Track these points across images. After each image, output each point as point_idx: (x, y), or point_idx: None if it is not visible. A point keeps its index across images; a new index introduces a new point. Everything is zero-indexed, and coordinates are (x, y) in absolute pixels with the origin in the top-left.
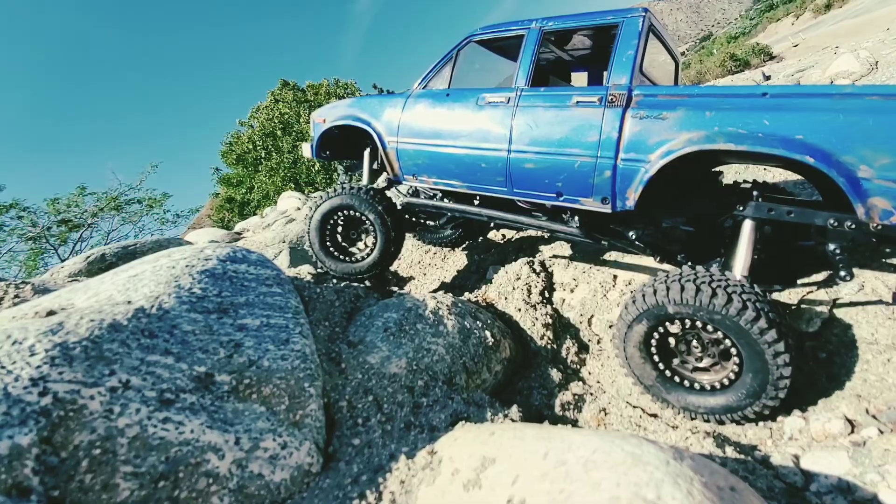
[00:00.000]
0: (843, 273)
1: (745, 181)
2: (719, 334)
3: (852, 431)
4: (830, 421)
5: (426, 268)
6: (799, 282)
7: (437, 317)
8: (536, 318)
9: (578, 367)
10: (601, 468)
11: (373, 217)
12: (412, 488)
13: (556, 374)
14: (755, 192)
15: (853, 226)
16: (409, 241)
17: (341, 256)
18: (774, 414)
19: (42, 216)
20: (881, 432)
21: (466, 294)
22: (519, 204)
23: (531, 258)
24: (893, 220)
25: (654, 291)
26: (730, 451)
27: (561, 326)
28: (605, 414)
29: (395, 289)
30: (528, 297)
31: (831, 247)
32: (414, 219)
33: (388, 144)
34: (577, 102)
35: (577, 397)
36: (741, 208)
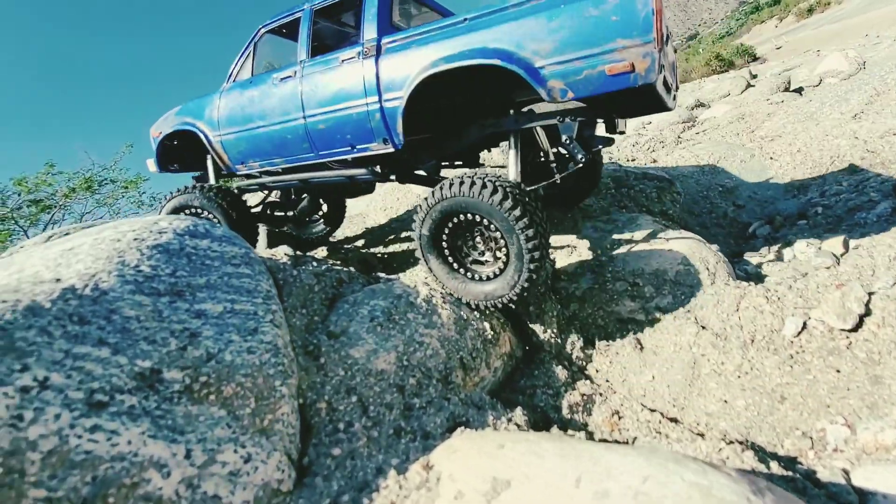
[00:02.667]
0: (578, 156)
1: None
2: (493, 227)
3: None
4: (883, 431)
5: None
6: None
7: (430, 305)
8: (541, 309)
9: (584, 363)
10: None
11: (217, 213)
12: None
13: (561, 372)
14: (511, 111)
15: (574, 118)
16: (400, 224)
17: None
18: (524, 296)
19: (10, 196)
20: None
21: None
22: (330, 166)
23: None
24: (570, 96)
25: (441, 187)
26: (774, 467)
27: (565, 319)
28: (619, 418)
29: (383, 274)
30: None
31: (563, 138)
32: (271, 212)
33: (213, 140)
34: (343, 61)
35: (585, 398)
36: (498, 125)
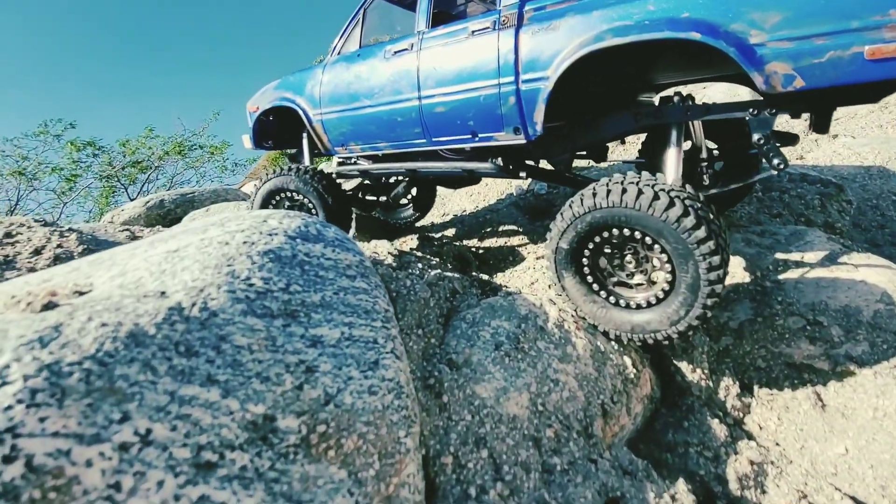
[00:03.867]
0: (776, 161)
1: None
2: (658, 247)
3: None
4: None
5: (515, 251)
6: None
7: (563, 332)
8: (685, 342)
9: (742, 415)
10: None
11: (313, 197)
12: None
13: (718, 427)
14: (674, 97)
15: (773, 111)
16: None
17: None
18: (687, 335)
19: (116, 157)
20: None
21: None
22: (444, 155)
23: None
24: (797, 85)
25: (594, 194)
26: None
27: (715, 355)
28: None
29: (504, 286)
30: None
31: (755, 137)
32: (363, 196)
33: (313, 119)
34: (473, 32)
35: (755, 468)
36: (660, 115)
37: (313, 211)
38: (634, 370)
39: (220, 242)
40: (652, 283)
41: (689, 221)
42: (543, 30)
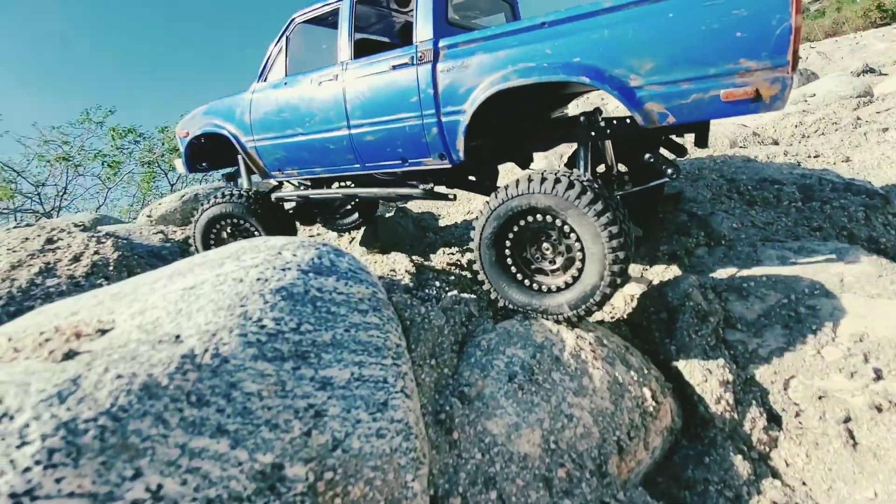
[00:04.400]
0: (668, 171)
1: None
2: (567, 229)
3: None
4: None
5: None
6: None
7: (579, 363)
8: (709, 370)
9: (768, 450)
10: None
11: (254, 221)
12: None
13: (741, 464)
14: (581, 119)
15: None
16: None
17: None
18: (602, 305)
19: (157, 143)
20: None
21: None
22: (378, 178)
23: (699, 275)
24: (670, 121)
25: (518, 184)
26: None
27: (742, 384)
28: None
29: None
30: (698, 332)
31: (646, 156)
32: (305, 212)
33: (247, 146)
34: (394, 66)
35: None
36: (569, 137)
37: (256, 234)
38: (654, 402)
39: (235, 279)
40: (566, 268)
41: (587, 198)
42: (457, 67)
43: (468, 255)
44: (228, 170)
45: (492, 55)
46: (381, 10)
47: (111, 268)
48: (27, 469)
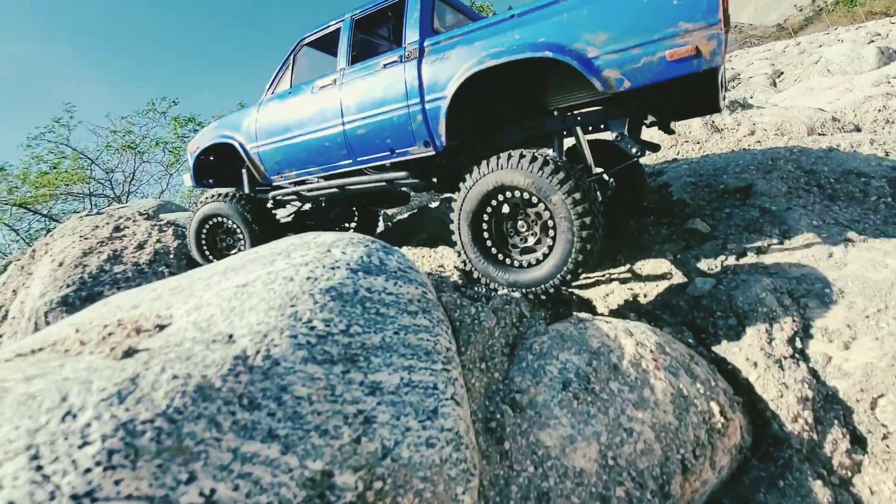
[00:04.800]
0: (633, 150)
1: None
2: (542, 207)
3: None
4: None
5: None
6: None
7: (639, 372)
8: (785, 384)
9: (850, 475)
10: None
11: (239, 222)
12: None
13: (819, 490)
14: (554, 111)
15: (623, 115)
16: None
17: (212, 257)
18: (578, 275)
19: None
20: None
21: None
22: (367, 173)
23: (774, 278)
24: (626, 86)
25: (481, 165)
26: None
27: (822, 401)
28: None
29: (585, 315)
30: (770, 343)
31: (614, 135)
32: (301, 222)
33: (250, 152)
34: (384, 65)
35: None
36: (541, 127)
37: (241, 237)
38: (722, 418)
39: (285, 278)
40: (538, 244)
41: (549, 168)
42: (439, 59)
43: None
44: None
45: (469, 46)
46: (372, 32)
47: (171, 255)
48: (88, 470)
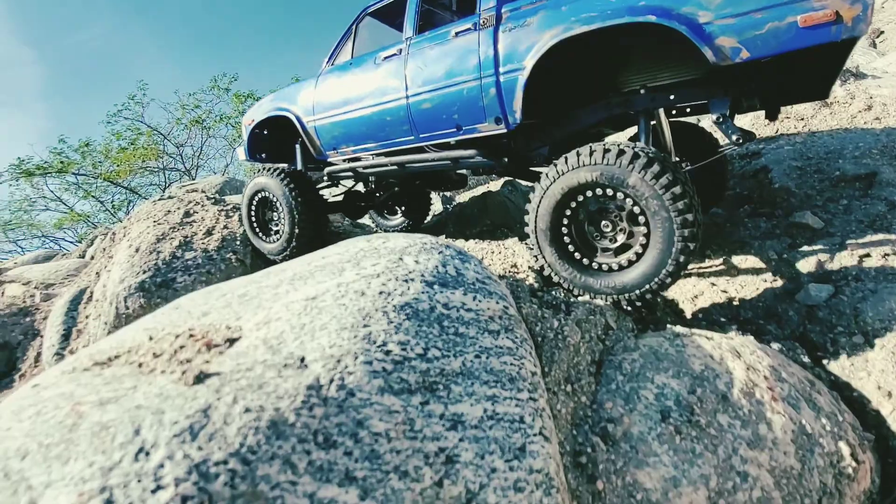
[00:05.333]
0: (733, 137)
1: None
2: (629, 203)
3: None
4: None
5: None
6: None
7: (752, 404)
8: None
9: None
10: None
11: (281, 198)
12: None
13: None
14: (640, 89)
15: (727, 94)
16: None
17: (262, 235)
18: (666, 285)
19: None
20: None
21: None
22: (428, 151)
23: None
24: (743, 56)
25: (579, 155)
26: None
27: None
28: None
29: (679, 328)
30: None
31: (714, 116)
32: (352, 202)
33: (307, 125)
34: (456, 34)
35: None
36: (629, 104)
37: (281, 216)
38: (853, 461)
39: (356, 292)
40: (628, 246)
41: (656, 169)
42: (519, 27)
43: None
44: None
45: (555, 10)
46: (440, 2)
47: (238, 242)
48: None
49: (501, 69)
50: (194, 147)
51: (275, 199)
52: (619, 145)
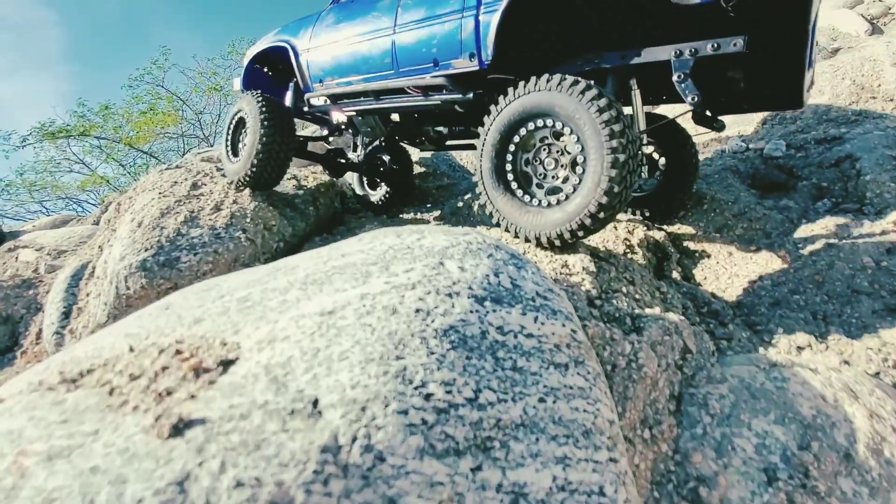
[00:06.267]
0: (690, 97)
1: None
2: (572, 136)
3: None
4: None
5: (733, 239)
6: None
7: (882, 463)
8: None
9: None
10: None
11: (251, 118)
12: None
13: None
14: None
15: (692, 53)
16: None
17: (231, 156)
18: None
19: None
20: None
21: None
22: (407, 92)
23: None
24: None
25: (536, 80)
26: None
27: None
28: None
29: (713, 290)
30: None
31: (675, 76)
32: (334, 158)
33: (300, 56)
34: None
35: None
36: (598, 61)
37: (246, 138)
38: None
39: (386, 308)
40: (565, 179)
41: (609, 114)
42: None
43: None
44: None
45: None
46: None
47: (248, 219)
48: None
49: (482, 7)
50: (213, 114)
51: (247, 119)
52: (576, 78)
